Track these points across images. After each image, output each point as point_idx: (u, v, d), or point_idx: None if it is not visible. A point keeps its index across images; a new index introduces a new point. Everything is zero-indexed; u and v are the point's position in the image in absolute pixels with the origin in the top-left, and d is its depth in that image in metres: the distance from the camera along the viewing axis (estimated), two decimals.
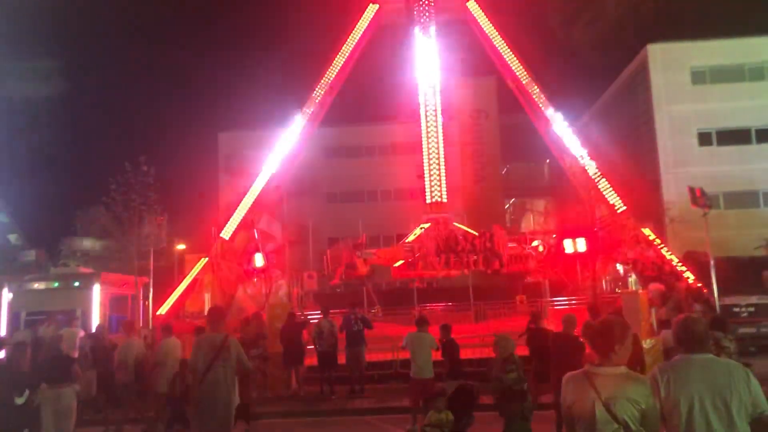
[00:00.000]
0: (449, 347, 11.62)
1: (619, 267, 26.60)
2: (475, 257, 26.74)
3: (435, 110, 30.11)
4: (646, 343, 13.00)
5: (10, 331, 17.29)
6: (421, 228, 28.70)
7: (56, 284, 18.74)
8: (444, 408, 7.57)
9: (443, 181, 29.56)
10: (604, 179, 26.44)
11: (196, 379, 7.18)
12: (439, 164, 29.67)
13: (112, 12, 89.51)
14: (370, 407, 13.70)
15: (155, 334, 17.46)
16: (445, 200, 29.37)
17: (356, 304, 16.97)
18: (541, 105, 28.47)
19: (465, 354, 13.14)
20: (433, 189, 29.43)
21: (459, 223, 30.15)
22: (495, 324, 22.05)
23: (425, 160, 29.94)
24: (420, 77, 30.45)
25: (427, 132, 30.03)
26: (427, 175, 29.77)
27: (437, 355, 11.86)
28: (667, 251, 24.51)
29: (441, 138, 29.98)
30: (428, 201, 29.53)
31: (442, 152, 29.84)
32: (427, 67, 30.49)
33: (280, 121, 29.96)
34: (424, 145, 29.94)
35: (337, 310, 17.04)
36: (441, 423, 7.54)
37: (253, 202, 27.57)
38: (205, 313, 22.73)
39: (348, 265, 28.00)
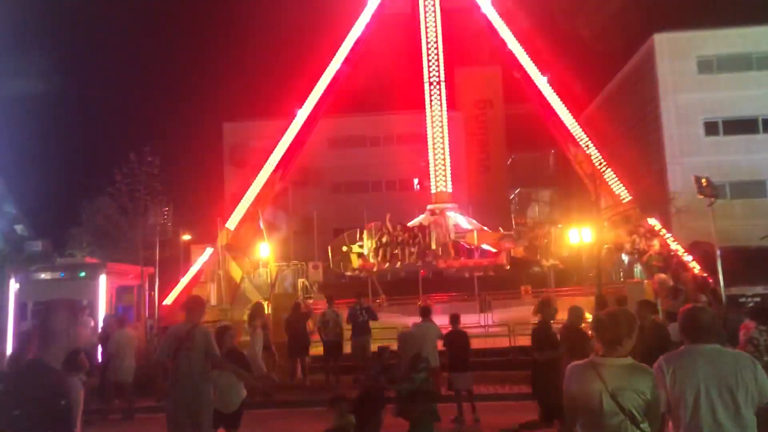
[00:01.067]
0: (456, 338, 11.55)
1: (625, 257, 26.52)
2: (411, 250, 26.61)
3: (440, 99, 30.00)
4: None
5: (17, 321, 17.38)
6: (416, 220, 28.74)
7: (62, 274, 18.78)
8: (347, 412, 7.12)
9: (448, 171, 29.49)
10: (609, 169, 26.35)
11: (159, 370, 7.15)
12: (444, 153, 29.60)
13: (115, 1, 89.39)
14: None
15: (160, 325, 17.57)
16: (450, 190, 29.32)
17: (361, 294, 17.01)
18: (546, 94, 28.35)
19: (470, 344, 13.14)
20: (438, 178, 29.36)
21: (463, 214, 30.06)
22: (500, 314, 22.08)
23: (430, 150, 29.86)
24: (425, 66, 30.35)
25: (432, 121, 29.93)
26: (431, 165, 29.69)
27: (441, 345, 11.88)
28: (673, 241, 24.45)
29: (446, 127, 29.87)
30: (433, 191, 29.48)
31: (446, 141, 29.73)
32: (432, 56, 30.37)
33: (285, 112, 29.94)
34: (429, 135, 29.85)
35: (342, 300, 17.07)
36: (342, 429, 7.08)
37: (258, 193, 27.57)
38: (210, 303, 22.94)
39: (342, 258, 28.10)
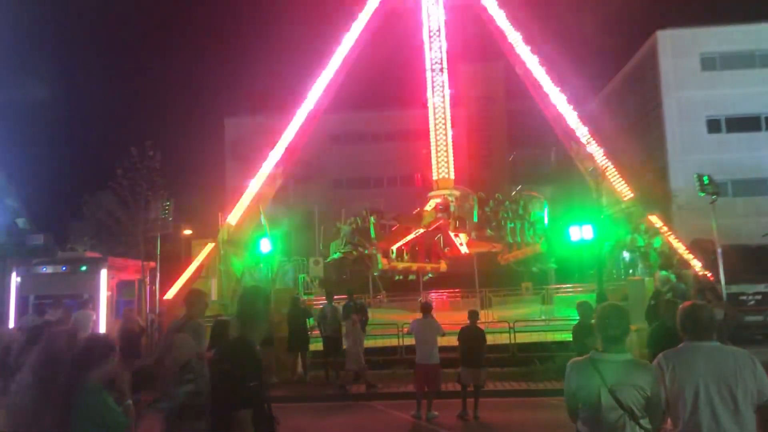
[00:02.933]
0: (471, 333, 11.47)
1: (626, 254, 26.50)
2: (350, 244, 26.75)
3: (442, 90, 30.01)
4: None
5: (18, 316, 17.41)
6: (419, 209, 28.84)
7: (64, 268, 18.82)
8: None
9: (450, 157, 29.48)
10: (611, 166, 26.30)
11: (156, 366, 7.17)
12: (446, 139, 29.59)
13: None
14: (375, 392, 13.77)
15: (162, 320, 17.59)
16: (452, 176, 29.33)
17: (354, 291, 17.03)
18: (548, 91, 28.29)
19: None
20: (440, 165, 29.38)
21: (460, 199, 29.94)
22: (500, 311, 22.07)
23: (432, 135, 29.85)
24: (426, 53, 30.36)
25: (434, 107, 29.95)
26: (433, 151, 29.69)
27: (443, 341, 11.86)
28: (675, 239, 24.42)
29: (448, 112, 29.86)
30: (435, 177, 29.50)
31: (449, 127, 29.71)
32: (435, 43, 30.38)
33: (287, 107, 29.91)
34: (431, 120, 29.84)
35: (343, 296, 17.10)
36: None
37: (260, 188, 27.56)
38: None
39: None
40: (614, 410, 3.89)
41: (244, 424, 3.90)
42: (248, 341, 4.20)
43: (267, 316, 4.36)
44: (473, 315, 11.77)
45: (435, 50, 30.23)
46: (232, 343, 4.41)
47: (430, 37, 30.37)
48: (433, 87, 30.09)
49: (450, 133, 29.81)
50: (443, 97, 29.88)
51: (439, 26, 30.51)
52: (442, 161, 29.44)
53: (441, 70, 30.09)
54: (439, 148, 29.61)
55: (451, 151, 29.67)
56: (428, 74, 30.17)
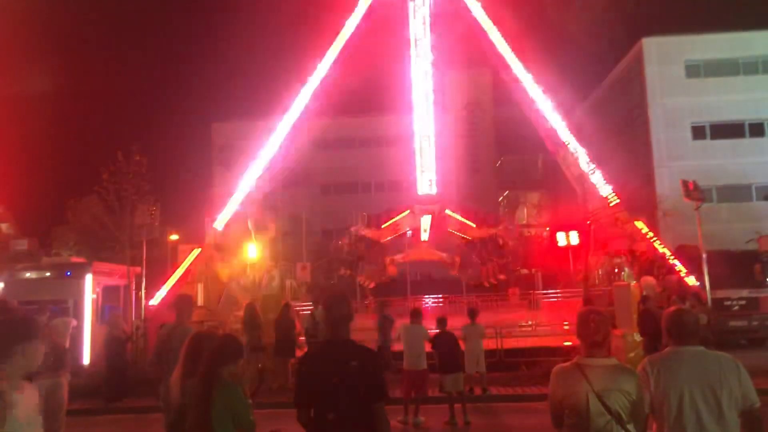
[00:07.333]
0: (445, 339, 11.55)
1: (612, 260, 26.65)
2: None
3: (427, 102, 30.05)
4: (637, 337, 13.06)
5: None
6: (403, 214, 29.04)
7: (48, 274, 18.59)
8: None
9: (434, 174, 29.52)
10: (597, 172, 26.47)
11: (153, 372, 7.29)
12: (430, 158, 29.63)
13: (103, 1, 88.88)
14: None
15: (147, 326, 17.46)
16: (434, 192, 29.39)
17: (318, 300, 16.97)
18: (534, 98, 28.43)
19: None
20: (423, 181, 29.39)
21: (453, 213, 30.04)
22: (488, 316, 22.12)
23: (417, 154, 29.86)
24: (414, 69, 30.35)
25: (419, 125, 29.98)
26: (418, 168, 29.70)
27: (429, 347, 11.88)
28: (660, 244, 24.58)
29: (433, 131, 29.90)
30: (420, 193, 29.49)
31: (432, 146, 29.77)
32: (421, 58, 30.39)
33: (274, 112, 29.86)
34: (417, 140, 29.87)
35: None
36: None
37: (247, 193, 27.49)
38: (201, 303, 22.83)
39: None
40: (602, 416, 3.89)
41: (383, 415, 4.23)
42: (351, 341, 4.33)
43: (352, 318, 4.51)
44: (441, 321, 11.95)
45: (421, 56, 30.31)
46: (340, 343, 4.37)
47: (416, 42, 30.43)
48: (418, 104, 30.16)
49: (434, 150, 29.84)
50: (428, 113, 29.91)
51: (425, 32, 30.60)
52: (425, 177, 29.50)
53: (426, 83, 30.15)
54: (423, 166, 29.64)
55: (434, 168, 29.70)
56: (414, 90, 30.21)
